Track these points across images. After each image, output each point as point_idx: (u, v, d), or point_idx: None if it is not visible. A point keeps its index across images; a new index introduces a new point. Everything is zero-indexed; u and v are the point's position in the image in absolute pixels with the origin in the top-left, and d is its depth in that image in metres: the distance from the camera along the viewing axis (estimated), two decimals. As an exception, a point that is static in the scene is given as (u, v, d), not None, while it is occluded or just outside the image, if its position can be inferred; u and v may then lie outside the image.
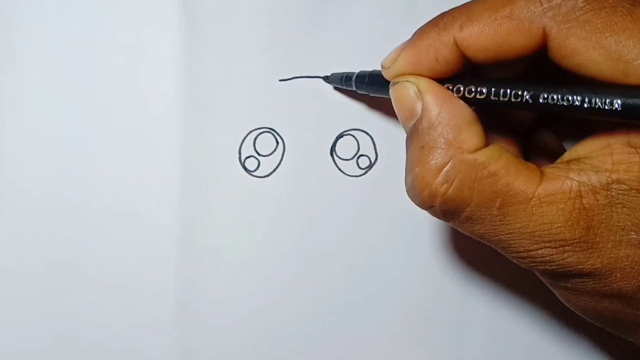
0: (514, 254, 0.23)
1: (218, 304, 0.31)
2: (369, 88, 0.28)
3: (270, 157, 0.31)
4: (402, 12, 0.31)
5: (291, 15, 0.31)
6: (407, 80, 0.24)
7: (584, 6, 0.21)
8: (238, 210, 0.31)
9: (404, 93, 0.24)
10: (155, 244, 0.31)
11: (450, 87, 0.23)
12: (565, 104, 0.21)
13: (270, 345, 0.31)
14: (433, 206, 0.23)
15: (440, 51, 0.23)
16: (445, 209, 0.23)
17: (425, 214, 0.31)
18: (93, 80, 0.31)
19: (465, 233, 0.24)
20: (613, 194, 0.21)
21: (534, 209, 0.22)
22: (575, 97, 0.21)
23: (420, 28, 0.24)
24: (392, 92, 0.25)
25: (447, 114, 0.23)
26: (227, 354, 0.31)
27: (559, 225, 0.21)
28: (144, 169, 0.31)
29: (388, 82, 0.25)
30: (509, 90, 0.22)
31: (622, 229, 0.21)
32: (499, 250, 0.23)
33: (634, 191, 0.21)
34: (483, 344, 0.32)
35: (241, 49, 0.31)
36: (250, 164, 0.31)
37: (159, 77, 0.31)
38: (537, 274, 0.24)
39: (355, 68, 0.31)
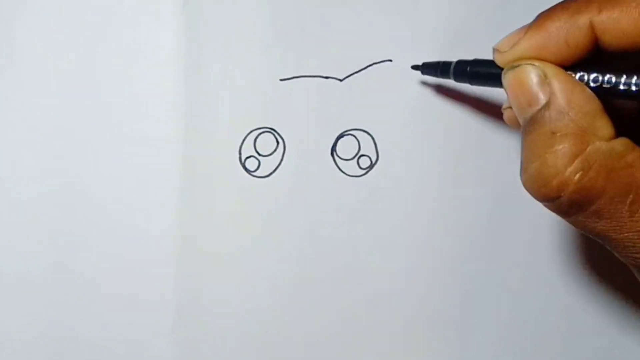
0: (637, 255, 0.22)
1: (218, 305, 0.31)
2: (472, 79, 0.26)
3: (271, 157, 0.31)
4: (403, 11, 0.31)
5: (292, 14, 0.31)
6: (530, 64, 0.22)
7: None
8: (238, 211, 0.31)
9: (527, 77, 0.22)
10: (155, 245, 0.31)
11: (572, 75, 0.22)
12: None
13: (270, 345, 0.31)
14: (560, 197, 0.21)
15: (572, 34, 0.21)
16: (574, 199, 0.21)
17: (423, 214, 0.32)
18: (93, 80, 0.31)
19: (582, 230, 0.22)
20: None
21: None
22: None
23: (544, 12, 0.22)
24: (510, 76, 0.23)
25: (579, 101, 0.21)
26: (227, 354, 0.31)
27: None
28: (144, 170, 0.31)
29: (495, 70, 0.24)
30: None
31: None
32: (613, 249, 0.22)
33: None
34: (483, 344, 0.32)
35: (241, 49, 0.31)
36: (251, 164, 0.31)
37: (159, 77, 0.31)
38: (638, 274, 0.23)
39: (356, 67, 0.31)
